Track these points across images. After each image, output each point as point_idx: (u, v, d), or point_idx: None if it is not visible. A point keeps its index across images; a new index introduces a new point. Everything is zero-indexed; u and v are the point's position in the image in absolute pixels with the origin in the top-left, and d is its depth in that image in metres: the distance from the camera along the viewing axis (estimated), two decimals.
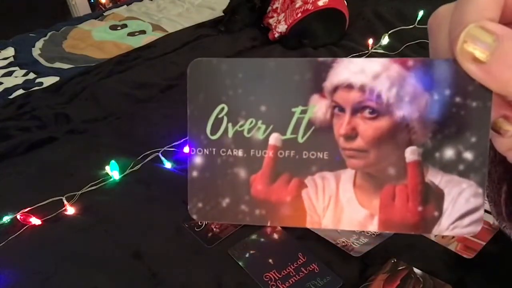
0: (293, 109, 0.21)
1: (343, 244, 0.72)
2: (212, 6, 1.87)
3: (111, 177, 0.95)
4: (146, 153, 0.99)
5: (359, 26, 1.50)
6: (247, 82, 0.21)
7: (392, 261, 0.68)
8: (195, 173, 0.22)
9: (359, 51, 1.35)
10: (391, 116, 0.20)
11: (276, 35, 1.48)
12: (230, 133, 0.22)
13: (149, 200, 0.89)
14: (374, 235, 0.73)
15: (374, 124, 0.20)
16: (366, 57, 1.32)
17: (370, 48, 1.35)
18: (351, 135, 0.21)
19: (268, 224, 0.22)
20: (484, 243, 0.68)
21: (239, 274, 0.71)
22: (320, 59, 0.21)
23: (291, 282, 0.68)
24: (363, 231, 0.74)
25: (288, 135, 0.21)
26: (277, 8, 1.53)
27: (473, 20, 0.17)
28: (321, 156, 0.21)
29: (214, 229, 0.79)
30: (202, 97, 0.22)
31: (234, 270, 0.71)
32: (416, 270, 0.66)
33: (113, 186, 0.94)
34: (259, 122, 0.21)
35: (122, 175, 0.96)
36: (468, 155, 0.20)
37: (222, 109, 0.21)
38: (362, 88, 0.20)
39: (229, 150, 0.22)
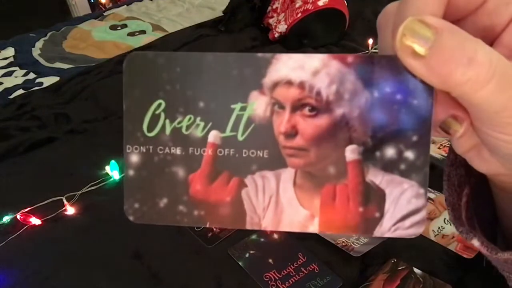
0: (233, 106, 0.20)
1: (343, 244, 0.72)
2: (212, 6, 1.87)
3: (111, 177, 0.95)
4: None
5: (359, 26, 1.50)
6: (185, 77, 0.20)
7: (392, 261, 0.68)
8: (131, 172, 0.21)
9: (359, 51, 1.35)
10: (331, 114, 0.20)
11: (276, 35, 1.48)
12: (168, 130, 0.21)
13: None
14: None
15: (314, 122, 0.20)
16: None
17: (370, 48, 1.35)
18: (291, 133, 0.20)
19: (207, 225, 0.21)
20: None
21: (239, 274, 0.71)
22: (260, 54, 0.20)
23: (291, 282, 0.68)
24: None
25: (228, 132, 0.20)
26: (277, 8, 1.53)
27: (414, 15, 0.17)
28: (261, 155, 0.20)
29: (214, 229, 0.79)
30: (138, 92, 0.21)
31: (234, 270, 0.71)
32: (416, 270, 0.66)
33: (113, 186, 0.94)
34: (198, 119, 0.20)
35: (122, 175, 0.96)
36: (409, 154, 0.19)
37: (160, 105, 0.20)
38: (301, 85, 0.20)
39: (167, 148, 0.21)
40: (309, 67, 0.20)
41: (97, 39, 1.68)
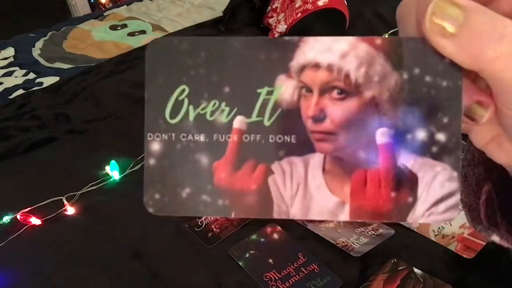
0: (259, 90, 0.20)
1: (343, 244, 0.72)
2: (212, 6, 1.87)
3: (111, 177, 0.95)
4: None
5: (359, 26, 1.50)
6: (210, 62, 0.20)
7: (392, 261, 0.68)
8: (152, 161, 0.20)
9: None
10: (360, 96, 0.19)
11: (276, 35, 1.48)
12: (191, 117, 0.20)
13: None
14: (374, 235, 0.73)
15: (342, 105, 0.19)
16: None
17: None
18: (320, 116, 0.20)
19: (232, 216, 0.20)
20: (484, 243, 0.68)
21: (239, 274, 0.71)
22: (287, 38, 0.20)
23: (291, 282, 0.68)
24: (363, 230, 0.74)
25: (254, 118, 0.20)
26: (277, 8, 1.53)
27: None
28: (288, 140, 0.20)
29: (214, 229, 0.79)
30: (161, 78, 0.20)
31: (234, 270, 0.71)
32: (416, 270, 0.66)
33: (113, 186, 0.94)
34: (223, 104, 0.20)
35: (122, 175, 0.96)
36: (441, 137, 0.19)
37: (183, 90, 0.20)
38: (329, 68, 0.19)
39: (190, 135, 0.20)
40: (337, 50, 0.19)
41: (97, 39, 1.68)
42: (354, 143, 0.20)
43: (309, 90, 0.20)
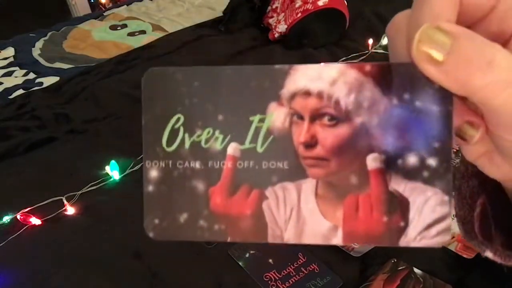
0: (251, 118, 0.20)
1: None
2: (212, 6, 1.87)
3: (111, 177, 0.95)
4: None
5: (359, 26, 1.50)
6: (203, 91, 0.20)
7: (392, 261, 0.68)
8: (150, 188, 0.21)
9: (359, 51, 1.35)
10: (351, 122, 0.20)
11: (276, 35, 1.48)
12: (187, 144, 0.21)
13: None
14: None
15: (333, 131, 0.20)
16: (367, 57, 1.32)
17: (370, 48, 1.35)
18: (311, 143, 0.20)
19: (229, 240, 0.20)
20: None
21: (239, 274, 0.71)
22: (277, 66, 0.20)
23: (291, 282, 0.68)
24: None
25: (247, 144, 0.20)
26: (277, 8, 1.53)
27: (429, 21, 0.17)
28: (281, 166, 0.20)
29: None
30: (157, 107, 0.21)
31: (234, 270, 0.71)
32: (416, 270, 0.66)
33: (113, 186, 0.94)
34: (217, 131, 0.20)
35: (122, 175, 0.96)
36: (432, 162, 0.19)
37: (178, 119, 0.21)
38: (319, 95, 0.20)
39: (186, 161, 0.21)
40: (327, 77, 0.20)
41: (97, 39, 1.68)
42: (345, 168, 0.20)
43: (300, 117, 0.20)
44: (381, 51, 1.34)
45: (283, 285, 0.67)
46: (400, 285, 0.64)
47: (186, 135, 0.21)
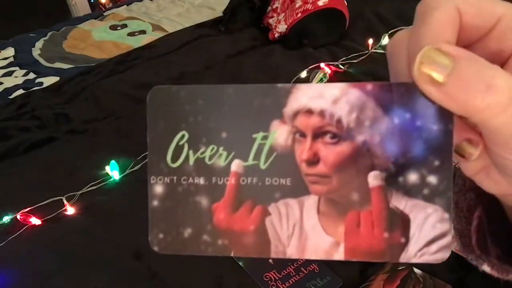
0: (254, 135, 0.21)
1: None
2: (212, 6, 1.87)
3: (111, 177, 0.95)
4: (146, 153, 0.98)
5: (359, 26, 1.50)
6: (207, 109, 0.21)
7: None
8: (155, 203, 0.21)
9: (359, 51, 1.35)
10: (352, 140, 0.20)
11: (276, 35, 1.48)
12: (191, 161, 0.21)
13: None
14: None
15: (335, 149, 0.20)
16: (367, 57, 1.32)
17: (370, 48, 1.35)
18: (313, 160, 0.20)
19: (232, 255, 0.21)
20: None
21: (239, 274, 0.71)
22: (279, 85, 0.20)
23: (291, 282, 0.68)
24: None
25: (250, 161, 0.21)
26: (277, 8, 1.53)
27: (429, 43, 0.17)
28: (284, 183, 0.21)
29: None
30: (162, 124, 0.21)
31: (234, 270, 0.71)
32: (416, 270, 0.66)
33: (113, 186, 0.95)
34: (221, 148, 0.21)
35: (122, 175, 0.96)
36: (432, 179, 0.19)
37: (183, 136, 0.21)
38: (322, 113, 0.20)
39: (190, 178, 0.21)
40: (329, 96, 0.20)
41: (97, 39, 1.68)
42: (347, 185, 0.20)
43: (303, 134, 0.21)
44: (381, 51, 1.34)
45: (283, 285, 0.67)
46: (400, 285, 0.64)
47: (191, 152, 0.21)
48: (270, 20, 1.53)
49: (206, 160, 0.21)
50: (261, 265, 0.71)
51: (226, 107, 0.21)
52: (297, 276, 0.69)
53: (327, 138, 0.20)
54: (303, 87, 0.20)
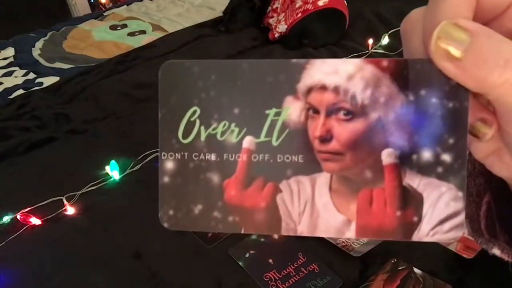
0: (267, 112, 0.20)
1: (343, 244, 0.72)
2: (212, 6, 1.87)
3: (111, 177, 0.95)
4: (146, 153, 0.99)
5: (359, 26, 1.50)
6: (219, 84, 0.21)
7: (392, 261, 0.68)
8: (166, 179, 0.21)
9: (359, 51, 1.35)
10: (367, 117, 0.20)
11: (276, 35, 1.48)
12: (203, 137, 0.21)
13: (149, 200, 0.88)
14: None
15: (349, 126, 0.20)
16: (366, 57, 1.32)
17: (370, 48, 1.35)
18: (326, 137, 0.20)
19: (242, 232, 0.21)
20: None
21: (239, 274, 0.71)
22: (294, 60, 0.20)
23: (291, 282, 0.68)
24: None
25: (262, 138, 0.20)
26: (277, 8, 1.53)
27: (446, 19, 0.17)
28: (296, 160, 0.20)
29: None
30: (174, 100, 0.21)
31: (234, 270, 0.71)
32: (416, 270, 0.66)
33: (113, 186, 0.95)
34: (232, 125, 0.21)
35: (122, 175, 0.96)
36: (446, 157, 0.19)
37: (195, 112, 0.21)
38: (336, 89, 0.20)
39: (202, 154, 0.21)
40: (344, 72, 0.20)
41: (97, 39, 1.68)
42: (360, 163, 0.20)
43: (316, 111, 0.20)
44: (381, 51, 1.34)
45: (283, 285, 0.67)
46: (400, 285, 0.64)
47: (202, 128, 0.21)
48: (270, 20, 1.53)
49: (218, 136, 0.21)
50: (261, 265, 0.71)
51: (239, 83, 0.20)
52: (297, 276, 0.69)
53: (341, 114, 0.20)
54: (317, 62, 0.20)
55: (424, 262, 0.67)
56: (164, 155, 0.21)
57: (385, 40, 1.36)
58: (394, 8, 1.53)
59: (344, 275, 0.68)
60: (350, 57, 1.32)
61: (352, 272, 0.69)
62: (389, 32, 1.39)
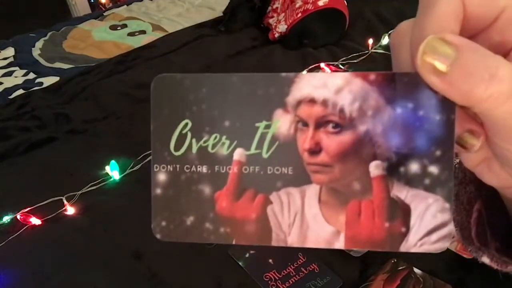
0: (257, 124, 0.21)
1: None
2: (212, 6, 1.87)
3: (111, 177, 0.95)
4: (146, 153, 0.99)
5: (359, 26, 1.50)
6: (210, 98, 0.21)
7: (392, 261, 0.68)
8: (158, 191, 0.21)
9: (359, 51, 1.35)
10: (355, 130, 0.20)
11: (276, 35, 1.48)
12: (194, 149, 0.21)
13: (149, 200, 0.88)
14: None
15: (337, 138, 0.20)
16: (367, 57, 1.32)
17: (370, 48, 1.35)
18: (315, 149, 0.20)
19: (233, 243, 0.21)
20: None
21: (239, 274, 0.71)
22: (283, 74, 0.20)
23: (291, 282, 0.68)
24: None
25: (253, 150, 0.21)
26: (277, 8, 1.53)
27: (433, 33, 0.17)
28: (285, 172, 0.21)
29: None
30: (166, 112, 0.21)
31: (234, 270, 0.71)
32: (416, 270, 0.66)
33: (113, 186, 0.95)
34: (223, 137, 0.21)
35: (122, 175, 0.96)
36: (433, 169, 0.19)
37: (186, 124, 0.21)
38: (324, 103, 0.20)
39: (193, 166, 0.21)
40: (332, 85, 0.20)
41: (97, 39, 1.68)
42: (348, 175, 0.20)
43: (305, 124, 0.21)
44: (381, 51, 1.34)
45: (283, 285, 0.67)
46: (400, 285, 0.64)
47: (194, 140, 0.21)
48: (270, 20, 1.53)
49: (209, 148, 0.21)
50: (261, 265, 0.71)
51: (229, 96, 0.21)
52: (297, 276, 0.69)
53: (330, 127, 0.20)
54: (306, 76, 0.20)
55: (424, 262, 0.67)
56: (156, 167, 0.22)
57: (385, 40, 1.36)
58: (394, 8, 1.53)
59: (344, 275, 0.68)
60: (350, 57, 1.32)
61: (352, 272, 0.69)
62: (389, 32, 1.39)
